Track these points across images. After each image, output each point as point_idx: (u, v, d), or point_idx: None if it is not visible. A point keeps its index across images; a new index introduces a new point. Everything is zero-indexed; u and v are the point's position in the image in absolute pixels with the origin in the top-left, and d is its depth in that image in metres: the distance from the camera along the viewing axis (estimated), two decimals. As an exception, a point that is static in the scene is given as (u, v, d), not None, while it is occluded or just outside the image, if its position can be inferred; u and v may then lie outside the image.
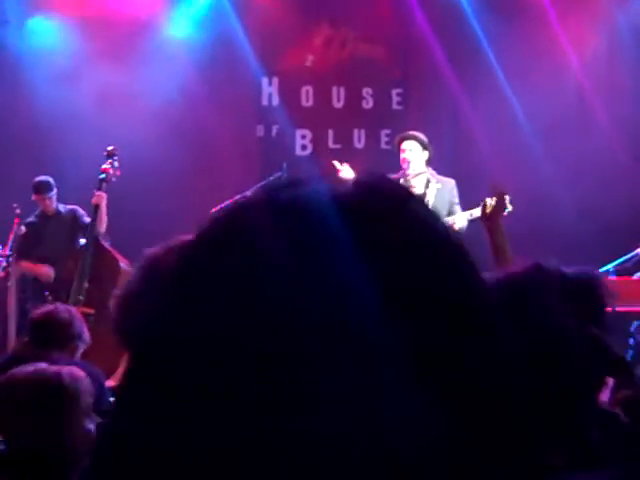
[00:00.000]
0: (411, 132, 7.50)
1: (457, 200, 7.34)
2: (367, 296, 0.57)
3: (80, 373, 2.74)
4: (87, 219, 7.76)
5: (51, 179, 7.92)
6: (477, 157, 9.39)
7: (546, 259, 1.90)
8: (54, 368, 2.71)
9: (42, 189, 7.83)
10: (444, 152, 8.70)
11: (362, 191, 0.62)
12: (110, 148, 7.91)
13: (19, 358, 3.68)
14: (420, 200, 0.66)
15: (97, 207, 7.64)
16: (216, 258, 0.60)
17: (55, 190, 7.91)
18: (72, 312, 4.90)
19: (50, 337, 4.57)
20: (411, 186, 7.27)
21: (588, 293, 2.08)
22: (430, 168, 7.41)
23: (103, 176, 7.75)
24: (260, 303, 0.57)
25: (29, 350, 4.48)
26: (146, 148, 8.98)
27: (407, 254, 0.59)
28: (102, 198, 7.66)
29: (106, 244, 7.69)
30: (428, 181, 7.32)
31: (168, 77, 9.37)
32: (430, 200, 7.19)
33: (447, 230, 0.64)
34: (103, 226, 7.68)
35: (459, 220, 7.09)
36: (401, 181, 7.25)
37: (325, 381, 0.56)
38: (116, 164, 7.82)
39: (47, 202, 7.86)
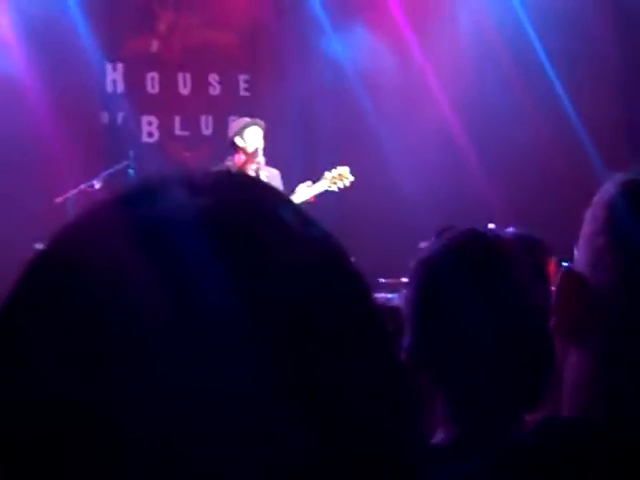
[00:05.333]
0: (255, 119, 7.47)
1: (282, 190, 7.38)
2: (242, 329, 0.50)
3: None
4: None
5: None
6: (323, 142, 9.47)
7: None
8: None
9: None
10: (291, 138, 8.74)
11: (229, 202, 0.55)
12: None
13: None
14: (293, 205, 0.59)
15: None
16: (63, 284, 0.53)
17: None
18: None
19: None
20: (263, 173, 7.28)
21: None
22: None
23: None
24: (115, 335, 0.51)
25: None
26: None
27: (286, 276, 0.53)
28: None
29: None
30: (258, 170, 7.31)
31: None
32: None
33: (324, 235, 0.58)
34: None
35: (301, 196, 7.15)
36: (250, 169, 7.26)
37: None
38: None
39: None
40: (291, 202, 0.59)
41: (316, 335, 0.52)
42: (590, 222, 1.09)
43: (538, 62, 9.47)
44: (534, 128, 9.14)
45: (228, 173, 0.61)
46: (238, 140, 7.34)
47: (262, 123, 7.41)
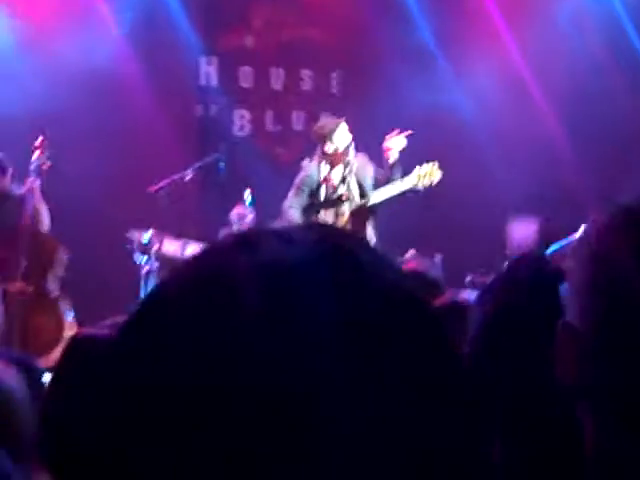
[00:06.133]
0: (337, 119, 7.39)
1: (373, 167, 7.36)
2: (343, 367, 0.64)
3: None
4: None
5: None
6: (414, 142, 9.44)
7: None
8: None
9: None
10: (381, 137, 8.73)
11: (317, 251, 0.69)
12: (40, 140, 7.47)
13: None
14: (369, 250, 0.71)
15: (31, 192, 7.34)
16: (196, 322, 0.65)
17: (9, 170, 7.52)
18: None
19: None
20: (352, 167, 7.27)
21: None
22: None
23: (35, 166, 7.38)
24: (240, 370, 0.63)
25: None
26: (78, 128, 8.78)
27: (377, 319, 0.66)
28: (35, 184, 7.34)
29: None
30: (348, 165, 7.30)
31: (103, 55, 9.14)
32: (352, 178, 7.25)
33: (396, 274, 0.70)
34: (44, 217, 7.43)
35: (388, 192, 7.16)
36: (343, 164, 7.24)
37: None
38: (47, 155, 7.43)
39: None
40: (367, 247, 0.72)
41: (383, 354, 0.65)
42: (580, 275, 0.90)
43: (632, 49, 9.38)
44: (628, 115, 9.04)
45: (313, 226, 0.74)
46: (328, 147, 7.28)
47: (342, 119, 7.35)
